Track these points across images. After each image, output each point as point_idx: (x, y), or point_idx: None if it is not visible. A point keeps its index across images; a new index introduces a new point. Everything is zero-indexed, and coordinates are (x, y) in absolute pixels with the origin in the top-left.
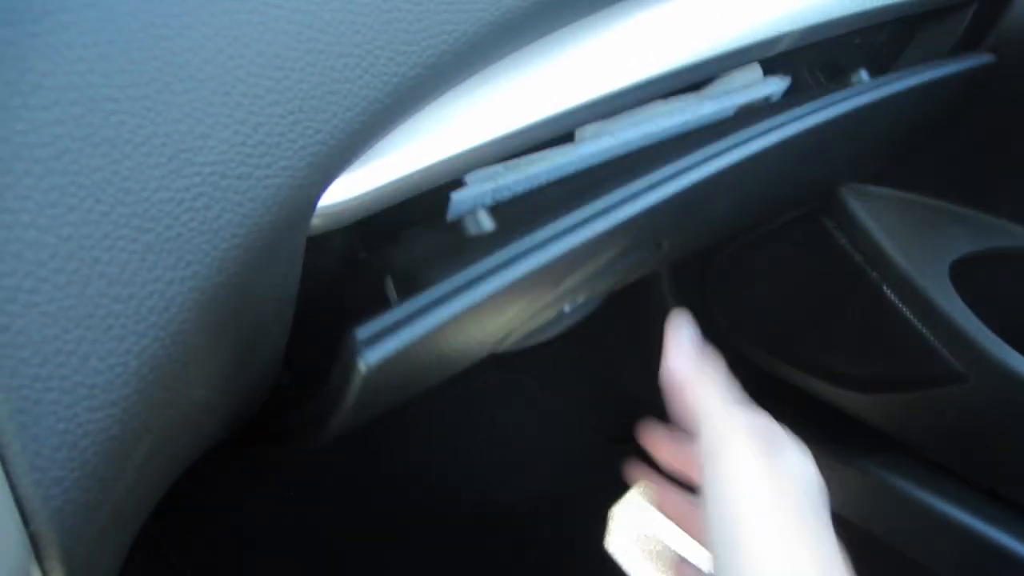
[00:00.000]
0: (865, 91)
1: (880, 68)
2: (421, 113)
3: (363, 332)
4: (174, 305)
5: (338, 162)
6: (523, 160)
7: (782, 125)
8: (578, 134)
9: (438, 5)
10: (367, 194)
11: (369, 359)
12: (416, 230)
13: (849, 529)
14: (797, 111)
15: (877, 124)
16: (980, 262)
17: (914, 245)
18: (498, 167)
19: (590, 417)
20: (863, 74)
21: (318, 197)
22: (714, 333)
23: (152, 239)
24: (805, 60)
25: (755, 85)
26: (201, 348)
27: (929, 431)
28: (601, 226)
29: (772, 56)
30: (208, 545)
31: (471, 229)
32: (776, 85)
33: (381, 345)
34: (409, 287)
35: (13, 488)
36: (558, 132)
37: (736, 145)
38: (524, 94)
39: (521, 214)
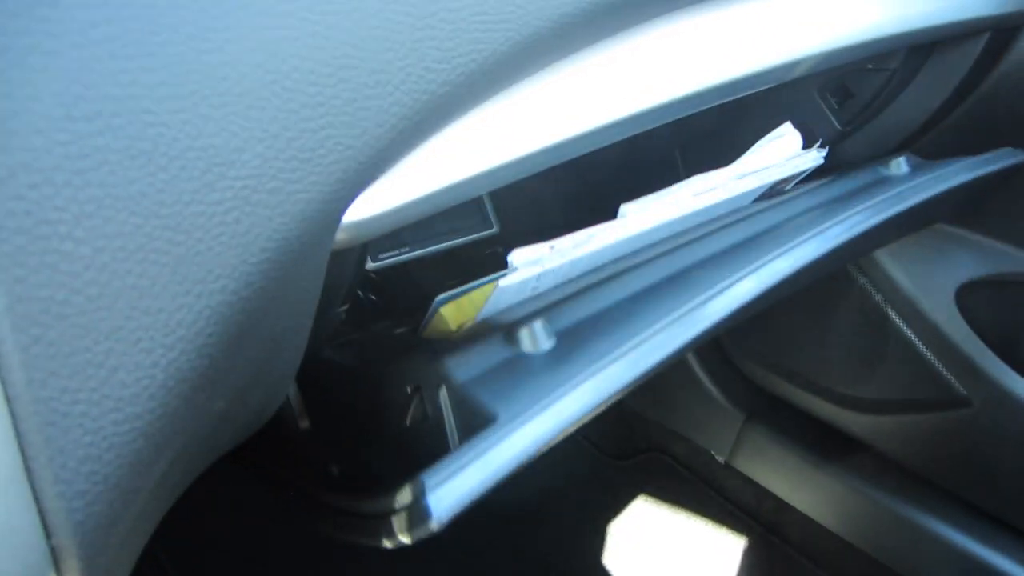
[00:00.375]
0: (911, 195)
1: (892, 94)
2: (447, 130)
3: (431, 480)
4: (202, 319)
5: (365, 177)
6: (568, 240)
7: (835, 232)
8: (621, 211)
9: (469, 24)
10: (391, 210)
11: (442, 516)
12: (470, 342)
13: (850, 552)
14: (849, 217)
15: (915, 215)
16: (987, 287)
17: (920, 269)
18: (543, 248)
19: (591, 434)
20: (903, 163)
21: (343, 212)
22: (717, 352)
23: (183, 252)
24: (817, 84)
25: (794, 160)
26: (224, 360)
27: (932, 454)
28: (666, 350)
29: (788, 80)
30: (201, 546)
31: (527, 346)
32: (814, 160)
33: (451, 500)
34: (465, 408)
35: (37, 500)
36: (585, 151)
37: (791, 250)
38: (549, 113)
39: (575, 325)
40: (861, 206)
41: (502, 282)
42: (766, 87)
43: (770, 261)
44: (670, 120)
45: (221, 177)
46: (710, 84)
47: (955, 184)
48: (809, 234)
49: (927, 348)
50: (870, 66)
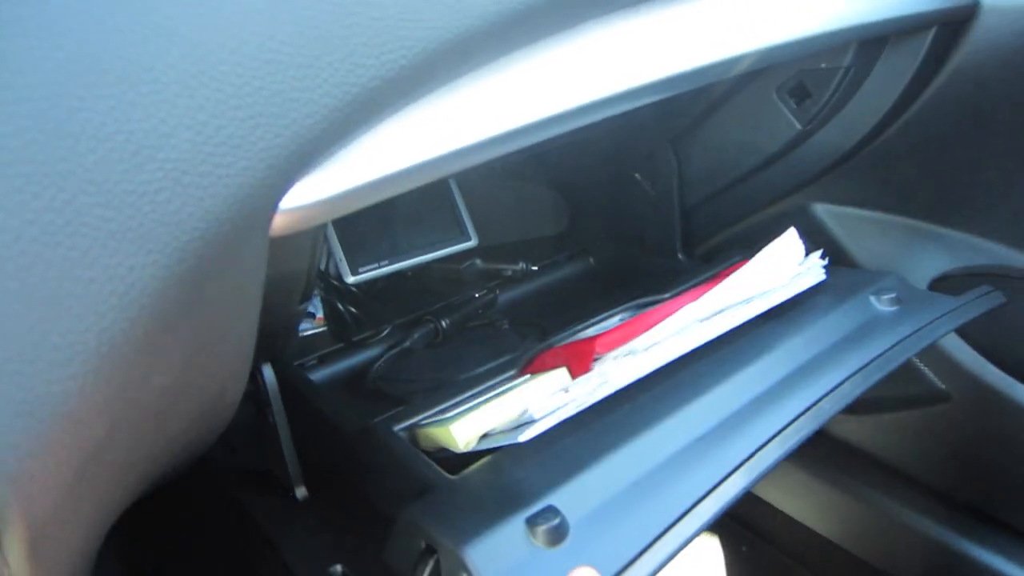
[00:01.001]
0: (898, 356)
1: (848, 92)
2: (391, 120)
3: None
4: (134, 290)
5: (298, 165)
6: (583, 386)
7: (827, 407)
8: (631, 348)
9: (398, 22)
10: (329, 198)
11: None
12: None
13: (832, 550)
14: (840, 386)
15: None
16: (958, 280)
17: (892, 264)
18: (559, 396)
19: None
20: (893, 299)
21: (279, 198)
22: None
23: (114, 228)
24: (774, 86)
25: (798, 280)
26: (160, 333)
27: (914, 451)
28: (670, 549)
29: (741, 80)
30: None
31: (544, 542)
32: (816, 278)
33: None
34: None
35: None
36: (536, 140)
37: (783, 432)
38: (489, 105)
39: (590, 515)
40: (851, 369)
41: (521, 436)
42: (717, 79)
43: (764, 445)
44: (616, 112)
45: (150, 159)
46: (649, 81)
47: (939, 334)
48: (800, 409)
49: None
50: (824, 64)
